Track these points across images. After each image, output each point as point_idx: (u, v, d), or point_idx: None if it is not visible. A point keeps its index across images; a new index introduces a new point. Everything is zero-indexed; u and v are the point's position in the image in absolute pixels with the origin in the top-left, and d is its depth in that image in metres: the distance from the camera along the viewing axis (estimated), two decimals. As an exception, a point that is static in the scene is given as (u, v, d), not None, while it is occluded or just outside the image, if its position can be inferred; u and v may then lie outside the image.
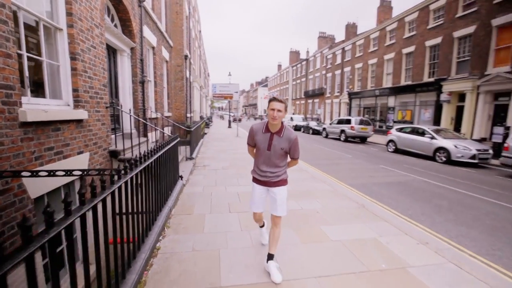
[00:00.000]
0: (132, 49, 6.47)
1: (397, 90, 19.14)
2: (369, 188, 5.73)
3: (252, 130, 2.37)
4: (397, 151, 11.89)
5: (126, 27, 6.23)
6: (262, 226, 2.86)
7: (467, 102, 13.97)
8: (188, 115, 13.00)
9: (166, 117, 9.10)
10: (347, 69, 26.22)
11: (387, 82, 20.60)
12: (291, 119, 27.19)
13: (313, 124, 22.37)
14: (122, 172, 2.20)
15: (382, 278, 2.34)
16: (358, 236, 3.17)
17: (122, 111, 4.99)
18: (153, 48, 8.19)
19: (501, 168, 8.65)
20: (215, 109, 67.96)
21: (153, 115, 7.75)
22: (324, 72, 31.70)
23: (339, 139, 16.76)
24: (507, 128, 10.22)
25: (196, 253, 2.69)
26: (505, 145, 8.03)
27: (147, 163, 2.78)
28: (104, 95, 4.65)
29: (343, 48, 26.75)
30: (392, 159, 10.07)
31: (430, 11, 16.26)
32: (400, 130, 12.19)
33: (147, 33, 7.35)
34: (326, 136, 18.61)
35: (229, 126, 23.25)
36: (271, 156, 2.28)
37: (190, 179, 5.64)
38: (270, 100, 2.18)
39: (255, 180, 2.45)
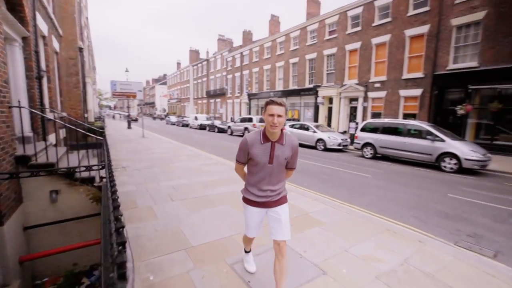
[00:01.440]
0: (24, 39, 5.61)
1: (287, 93, 22.89)
2: (276, 172, 7.33)
3: (247, 142, 1.92)
4: (290, 143, 14.62)
5: (17, 13, 5.38)
6: (249, 251, 2.51)
7: (334, 104, 18.58)
8: (86, 115, 11.50)
9: (61, 117, 7.98)
10: (245, 72, 28.89)
11: (279, 86, 24.26)
12: (196, 118, 27.56)
13: (218, 123, 23.67)
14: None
15: (296, 221, 3.63)
16: (276, 202, 4.44)
17: (32, 111, 4.49)
18: (43, 37, 7.11)
19: (354, 151, 12.38)
20: (104, 107, 58.95)
21: (55, 115, 6.84)
22: (225, 73, 33.55)
23: (243, 136, 18.66)
24: (357, 124, 14.53)
25: (160, 232, 3.22)
26: (356, 135, 11.62)
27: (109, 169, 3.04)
28: (6, 93, 4.16)
29: (241, 53, 29.25)
30: (288, 150, 12.47)
31: (308, 32, 20.43)
32: (292, 126, 15.02)
33: (40, 20, 6.42)
34: (231, 134, 20.23)
35: (129, 127, 21.36)
36: (273, 170, 1.93)
37: (116, 180, 5.57)
38: (267, 104, 1.84)
39: (250, 202, 2.05)
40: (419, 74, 13.75)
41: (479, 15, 11.46)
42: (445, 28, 12.70)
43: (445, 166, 8.28)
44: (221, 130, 22.28)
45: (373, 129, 10.86)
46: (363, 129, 11.32)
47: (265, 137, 1.90)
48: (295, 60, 21.79)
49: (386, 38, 15.05)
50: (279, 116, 1.78)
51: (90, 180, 4.84)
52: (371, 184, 6.44)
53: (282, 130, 1.92)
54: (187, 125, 29.64)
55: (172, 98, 53.20)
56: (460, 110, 11.94)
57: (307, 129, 13.88)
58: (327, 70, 19.30)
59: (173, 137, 16.32)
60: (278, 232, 2.00)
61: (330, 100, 19.25)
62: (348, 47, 17.21)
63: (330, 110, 19.44)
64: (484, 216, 4.43)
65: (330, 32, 18.71)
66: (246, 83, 28.99)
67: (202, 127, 25.52)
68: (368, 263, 2.66)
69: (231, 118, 31.69)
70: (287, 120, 22.77)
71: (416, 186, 6.32)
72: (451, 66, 12.61)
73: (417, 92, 13.87)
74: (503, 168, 8.49)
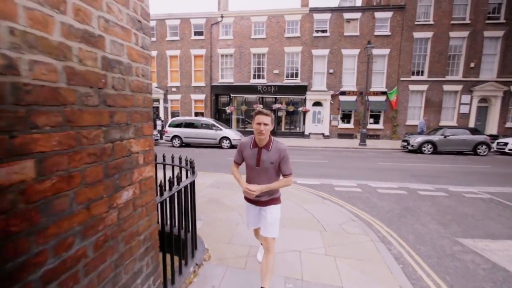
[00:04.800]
0: None
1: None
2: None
3: (242, 144, 2.28)
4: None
5: None
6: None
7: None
8: None
9: None
10: None
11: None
12: None
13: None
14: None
15: (158, 181, 6.11)
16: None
17: None
18: None
19: (165, 143, 15.30)
20: None
21: None
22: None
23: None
24: (162, 121, 17.48)
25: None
26: (166, 130, 14.58)
27: None
28: None
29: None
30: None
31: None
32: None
33: None
34: None
35: None
36: (261, 173, 2.17)
37: None
38: (256, 114, 2.10)
39: (246, 198, 2.37)
40: (202, 84, 19.11)
41: (231, 51, 18.36)
42: (215, 54, 18.73)
43: (223, 145, 13.52)
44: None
45: (178, 125, 14.35)
46: (170, 125, 14.49)
47: (254, 143, 2.18)
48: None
49: (177, 52, 19.01)
50: (265, 124, 2.04)
51: None
52: (187, 160, 9.82)
53: (270, 137, 2.15)
54: None
55: None
56: (227, 110, 18.57)
57: None
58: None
59: None
60: (262, 229, 2.26)
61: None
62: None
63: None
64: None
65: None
66: None
67: None
68: (203, 183, 5.91)
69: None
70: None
71: (210, 157, 10.55)
72: (221, 80, 18.96)
73: (202, 96, 19.21)
74: (249, 143, 15.25)
